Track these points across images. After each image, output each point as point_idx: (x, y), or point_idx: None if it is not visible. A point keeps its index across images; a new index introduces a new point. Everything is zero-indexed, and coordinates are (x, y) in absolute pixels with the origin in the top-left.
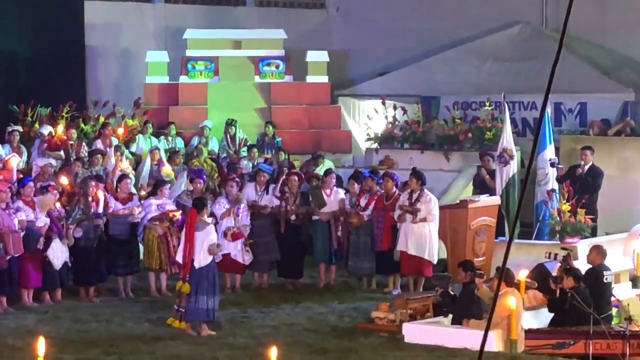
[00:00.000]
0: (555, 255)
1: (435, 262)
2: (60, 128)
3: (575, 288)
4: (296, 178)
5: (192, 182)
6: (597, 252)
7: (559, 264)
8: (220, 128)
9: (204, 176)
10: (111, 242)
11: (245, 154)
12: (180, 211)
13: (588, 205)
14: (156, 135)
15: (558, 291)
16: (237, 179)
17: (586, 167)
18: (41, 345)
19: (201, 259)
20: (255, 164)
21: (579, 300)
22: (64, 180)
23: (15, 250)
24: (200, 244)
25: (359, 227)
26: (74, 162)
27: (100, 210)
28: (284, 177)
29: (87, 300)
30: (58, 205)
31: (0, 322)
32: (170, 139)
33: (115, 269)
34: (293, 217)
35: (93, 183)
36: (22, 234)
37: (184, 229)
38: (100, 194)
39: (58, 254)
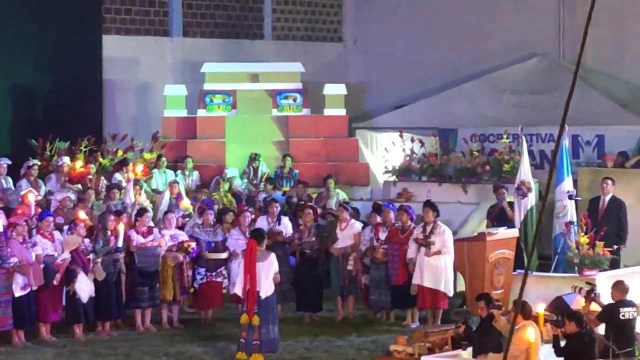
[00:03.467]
0: (580, 289)
1: (451, 294)
2: (79, 163)
3: (578, 333)
4: (310, 211)
5: (202, 214)
6: (615, 288)
7: (583, 298)
8: (238, 161)
9: (214, 207)
10: (137, 275)
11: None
12: (195, 242)
13: (619, 236)
14: (173, 169)
15: (560, 334)
16: (250, 210)
17: (607, 198)
18: None
19: (267, 289)
20: (268, 195)
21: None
22: (82, 215)
23: (36, 283)
24: (265, 275)
25: (383, 262)
26: (87, 190)
27: (120, 244)
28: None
29: (105, 334)
30: (87, 240)
31: (18, 357)
32: (187, 172)
33: (139, 301)
34: (308, 250)
35: (112, 217)
36: (41, 267)
37: (244, 261)
38: (120, 227)
39: (84, 287)
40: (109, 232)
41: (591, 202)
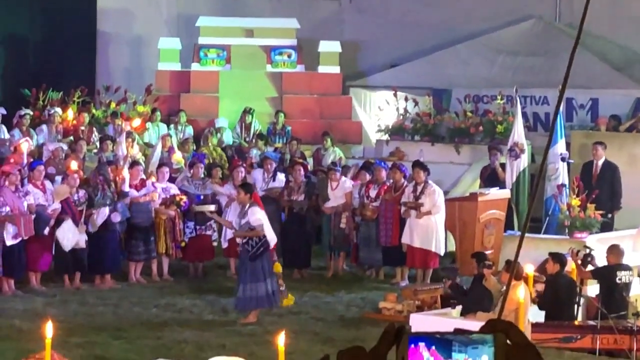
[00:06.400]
0: (578, 251)
1: (442, 253)
2: (71, 113)
3: (557, 273)
4: (301, 168)
5: (191, 167)
6: (611, 252)
7: (580, 260)
8: (231, 116)
9: (204, 160)
10: (132, 229)
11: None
12: (186, 196)
13: (612, 200)
14: (166, 122)
15: (544, 285)
16: (244, 166)
17: (600, 162)
18: (49, 328)
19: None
20: (264, 152)
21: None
22: (73, 165)
23: (26, 233)
24: (268, 225)
25: (372, 220)
26: (79, 141)
27: (126, 189)
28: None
29: (100, 286)
30: (81, 192)
31: (8, 305)
32: (180, 127)
33: (134, 254)
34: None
35: (110, 168)
36: (32, 217)
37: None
38: (126, 173)
39: (68, 235)
40: (113, 184)
41: (585, 165)
